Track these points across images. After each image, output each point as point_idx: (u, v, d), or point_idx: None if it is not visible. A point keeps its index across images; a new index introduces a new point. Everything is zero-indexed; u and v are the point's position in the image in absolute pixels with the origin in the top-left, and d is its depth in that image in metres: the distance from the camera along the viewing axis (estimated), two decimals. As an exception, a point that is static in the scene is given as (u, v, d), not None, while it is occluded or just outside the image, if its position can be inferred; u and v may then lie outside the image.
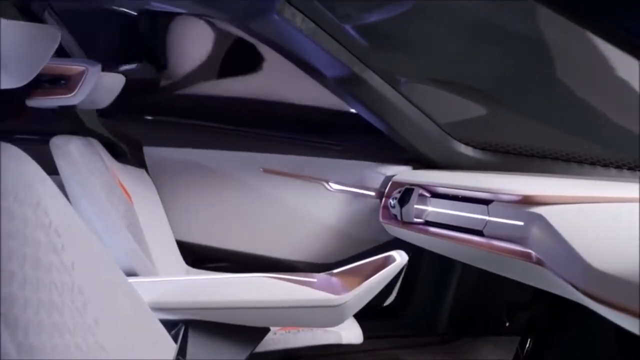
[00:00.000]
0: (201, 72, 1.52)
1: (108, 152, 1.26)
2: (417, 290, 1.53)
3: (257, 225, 1.46)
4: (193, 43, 1.48)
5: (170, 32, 1.48)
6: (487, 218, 1.07)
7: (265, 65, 1.47)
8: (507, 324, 1.34)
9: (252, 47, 1.45)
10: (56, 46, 0.78)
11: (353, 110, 1.40)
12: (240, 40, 1.45)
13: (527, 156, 1.33)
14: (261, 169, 1.46)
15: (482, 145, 1.35)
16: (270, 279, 0.84)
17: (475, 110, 1.30)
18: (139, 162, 1.47)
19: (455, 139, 1.34)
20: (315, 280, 0.86)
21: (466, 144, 1.35)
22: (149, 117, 1.53)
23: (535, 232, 0.93)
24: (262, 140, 1.51)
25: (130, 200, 1.22)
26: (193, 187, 1.46)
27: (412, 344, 1.45)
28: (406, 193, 1.29)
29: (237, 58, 1.50)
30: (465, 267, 1.41)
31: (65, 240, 0.61)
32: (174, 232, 1.43)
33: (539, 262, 0.91)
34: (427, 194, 1.26)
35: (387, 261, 0.88)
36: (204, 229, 1.45)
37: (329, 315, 0.80)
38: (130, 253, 0.95)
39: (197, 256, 1.48)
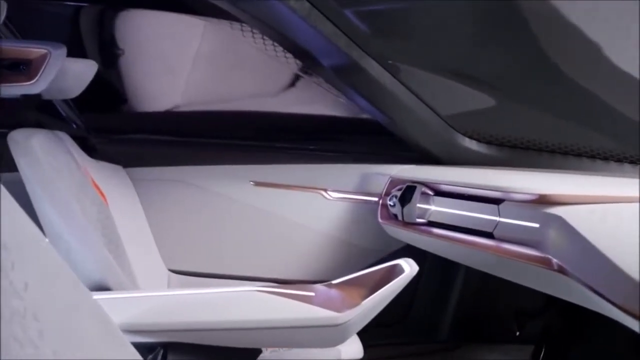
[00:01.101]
0: (175, 80, 1.42)
1: (79, 147, 1.14)
2: (418, 296, 1.46)
3: (251, 245, 1.36)
4: (161, 42, 1.36)
5: (128, 24, 1.36)
6: (497, 219, 1.01)
7: (249, 68, 1.37)
8: (517, 333, 1.26)
9: (235, 48, 1.35)
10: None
11: (347, 114, 1.35)
12: (221, 39, 1.35)
13: (535, 150, 1.28)
14: (251, 182, 1.35)
15: (488, 138, 1.28)
16: (262, 293, 0.73)
17: (479, 101, 1.24)
18: (116, 156, 1.35)
19: (458, 131, 1.27)
20: (313, 294, 0.75)
21: (470, 137, 1.29)
22: (125, 137, 1.41)
23: (554, 235, 0.86)
24: (250, 151, 1.41)
25: (105, 200, 1.10)
26: (177, 208, 1.35)
27: (413, 353, 1.37)
28: (407, 191, 1.20)
29: (215, 63, 1.39)
30: (468, 270, 1.34)
31: (15, 257, 0.50)
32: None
33: (561, 270, 0.83)
34: (430, 192, 1.17)
35: (394, 271, 0.78)
36: (192, 255, 1.34)
37: (330, 335, 0.70)
38: (101, 264, 0.83)
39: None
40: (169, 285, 1.27)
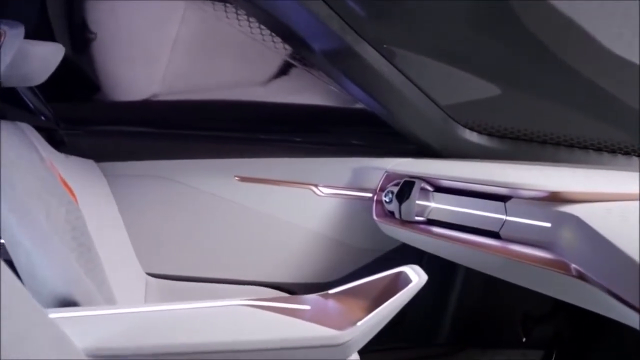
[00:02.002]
0: (153, 67, 1.33)
1: (45, 141, 1.03)
2: (415, 297, 1.35)
3: (236, 245, 1.27)
4: (138, 25, 1.27)
5: (102, 5, 1.27)
6: (504, 217, 0.95)
7: (234, 54, 1.29)
8: (524, 339, 1.20)
9: (218, 31, 1.27)
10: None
11: (339, 104, 1.29)
12: (203, 22, 1.26)
13: (538, 143, 1.21)
14: (236, 178, 1.26)
15: (489, 130, 1.21)
16: (249, 307, 0.64)
17: (480, 90, 1.18)
18: (87, 150, 1.25)
19: (458, 123, 1.20)
20: (307, 307, 0.66)
21: (470, 129, 1.21)
22: (98, 129, 1.32)
23: (569, 236, 0.82)
24: (234, 143, 1.32)
25: (75, 199, 0.99)
26: (155, 206, 1.26)
27: (411, 358, 1.32)
28: (405, 186, 1.12)
29: (196, 48, 1.30)
30: (468, 271, 1.28)
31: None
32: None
33: (581, 276, 0.77)
34: (430, 188, 1.09)
35: (399, 280, 0.70)
36: (171, 257, 1.25)
37: (329, 356, 0.62)
38: (67, 274, 0.73)
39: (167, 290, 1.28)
40: (147, 291, 1.18)
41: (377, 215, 1.21)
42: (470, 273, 1.32)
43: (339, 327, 0.62)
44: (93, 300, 0.74)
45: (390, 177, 1.20)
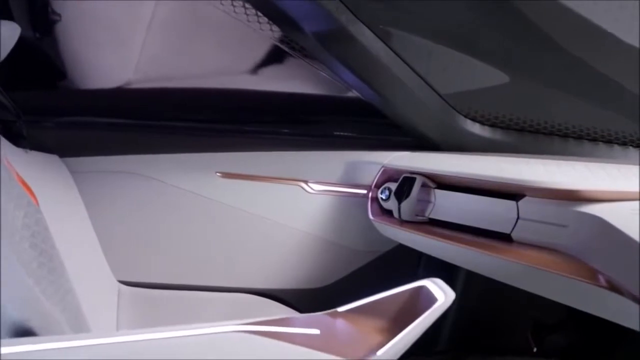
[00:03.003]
0: (126, 52, 1.25)
1: (0, 134, 0.91)
2: None
3: (218, 248, 1.18)
4: (108, 5, 1.19)
5: None
6: (517, 218, 0.88)
7: (215, 37, 1.22)
8: (535, 349, 1.13)
9: (198, 13, 1.21)
10: None
11: (331, 92, 1.25)
12: (181, 2, 1.20)
13: (545, 134, 1.18)
14: (218, 174, 1.18)
15: (492, 121, 1.17)
16: (247, 334, 0.53)
17: (483, 77, 1.15)
18: (50, 144, 1.14)
19: (459, 113, 1.16)
20: (317, 332, 0.56)
21: (472, 119, 1.17)
22: (62, 120, 1.21)
23: (591, 239, 0.76)
24: (216, 136, 1.23)
25: (35, 200, 0.87)
26: (127, 206, 1.16)
27: None
28: (405, 183, 1.03)
29: (173, 31, 1.23)
30: (470, 272, 1.20)
31: None
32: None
33: (612, 287, 0.69)
34: (432, 185, 1.00)
35: (419, 296, 0.60)
36: (147, 263, 1.16)
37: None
38: (21, 296, 0.62)
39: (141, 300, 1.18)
40: (120, 302, 1.08)
41: (373, 214, 1.15)
42: (471, 275, 1.21)
43: (356, 357, 0.52)
44: (52, 327, 0.63)
45: (387, 172, 1.14)
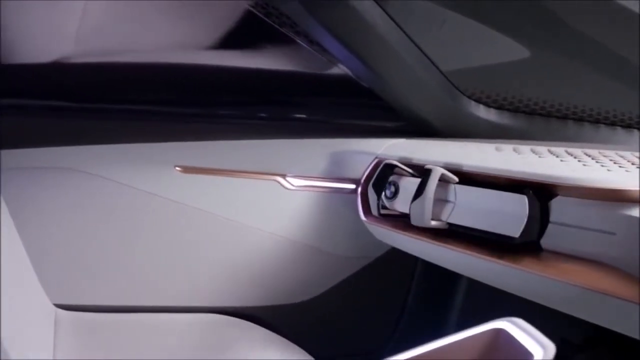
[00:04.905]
0: (63, 19, 1.09)
1: None
2: (406, 312, 1.22)
3: (179, 260, 1.05)
4: None
5: None
6: (547, 222, 0.74)
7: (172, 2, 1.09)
8: None
9: None
10: None
11: (314, 69, 1.15)
12: None
13: (558, 118, 1.13)
14: (177, 168, 1.04)
15: (500, 102, 1.11)
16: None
17: (491, 52, 1.09)
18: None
19: (462, 93, 1.08)
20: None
21: (477, 100, 1.10)
22: None
23: None
24: (173, 122, 1.11)
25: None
26: (63, 211, 1.00)
27: None
28: (387, 171, 0.93)
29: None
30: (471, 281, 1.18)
31: None
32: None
33: None
34: (454, 178, 0.84)
35: (498, 343, 0.47)
36: (89, 281, 1.01)
37: None
38: None
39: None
40: (57, 330, 0.92)
41: (365, 215, 1.01)
42: (473, 283, 1.16)
43: None
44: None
45: (380, 164, 0.98)
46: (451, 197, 0.81)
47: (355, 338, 1.15)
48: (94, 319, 0.95)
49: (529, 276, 0.72)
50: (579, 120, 1.11)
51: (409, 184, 0.89)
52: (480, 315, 1.18)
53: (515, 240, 0.73)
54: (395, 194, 0.88)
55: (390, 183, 0.90)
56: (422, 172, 0.86)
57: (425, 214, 0.80)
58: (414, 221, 0.82)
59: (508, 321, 0.52)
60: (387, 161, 0.94)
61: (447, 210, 0.81)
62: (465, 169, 0.83)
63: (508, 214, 0.77)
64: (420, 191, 0.81)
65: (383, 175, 0.93)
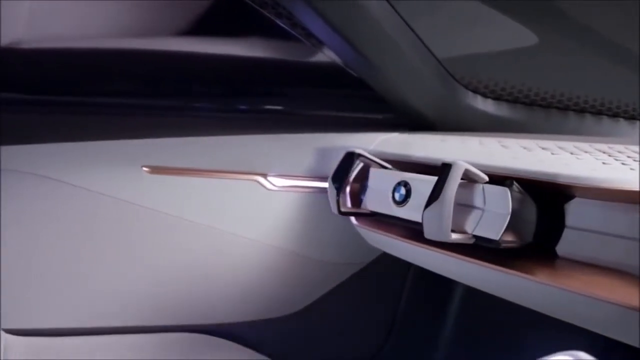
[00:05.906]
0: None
1: None
2: (398, 321, 1.17)
3: (146, 271, 0.96)
4: None
5: None
6: (564, 226, 0.67)
7: None
8: None
9: None
10: None
11: (297, 57, 1.10)
12: None
13: (559, 109, 1.09)
14: (144, 169, 0.96)
15: (498, 92, 1.06)
16: None
17: (490, 38, 1.06)
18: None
19: (459, 82, 1.04)
20: None
21: (474, 90, 1.05)
22: None
23: None
24: (140, 115, 1.04)
25: None
26: (9, 222, 0.90)
27: None
28: (350, 161, 0.83)
29: None
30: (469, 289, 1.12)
31: None
32: None
33: None
34: (483, 177, 0.69)
35: None
36: (43, 301, 0.91)
37: None
38: None
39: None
40: (6, 357, 0.83)
41: (357, 219, 0.93)
42: (470, 292, 1.13)
43: None
44: None
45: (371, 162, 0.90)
46: (478, 202, 0.66)
47: (344, 351, 1.09)
48: (48, 345, 0.87)
49: (545, 288, 0.65)
50: (581, 111, 1.08)
51: (421, 184, 0.75)
52: (476, 324, 1.16)
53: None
54: (406, 197, 0.74)
55: (399, 184, 0.77)
56: (428, 169, 0.75)
57: (443, 225, 0.64)
58: (429, 234, 0.66)
59: (570, 356, 0.44)
60: (349, 150, 0.83)
61: (472, 218, 0.66)
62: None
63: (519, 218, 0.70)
64: (436, 193, 0.65)
65: (344, 166, 0.82)
